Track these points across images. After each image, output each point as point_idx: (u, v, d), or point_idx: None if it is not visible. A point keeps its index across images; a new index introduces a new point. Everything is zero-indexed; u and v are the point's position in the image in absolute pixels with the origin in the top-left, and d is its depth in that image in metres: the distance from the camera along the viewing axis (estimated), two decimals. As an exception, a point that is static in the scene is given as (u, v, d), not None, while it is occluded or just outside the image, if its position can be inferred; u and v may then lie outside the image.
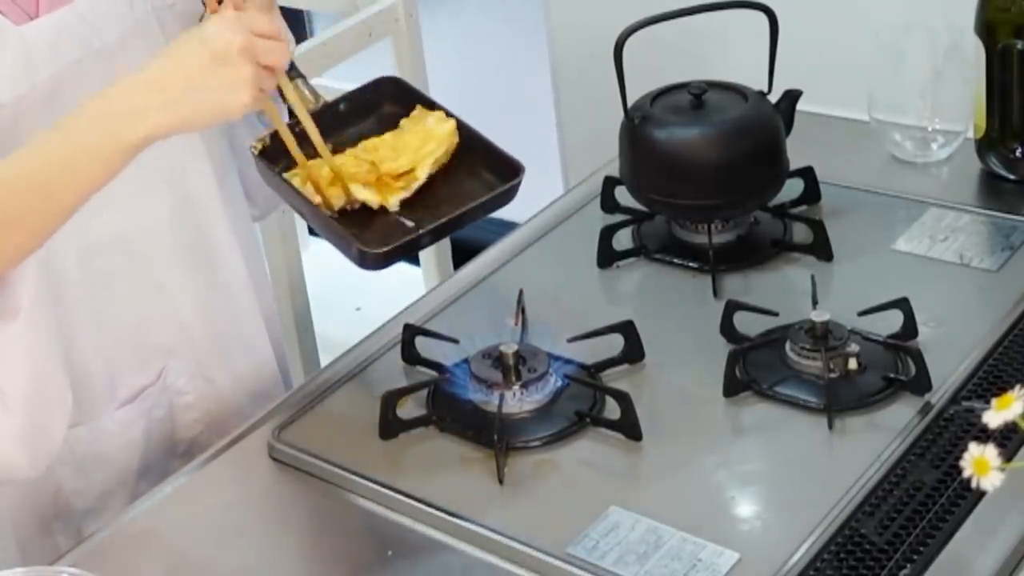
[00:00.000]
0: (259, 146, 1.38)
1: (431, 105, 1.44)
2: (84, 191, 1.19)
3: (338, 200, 1.37)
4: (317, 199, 1.36)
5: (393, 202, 1.38)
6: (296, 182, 1.37)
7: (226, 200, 1.48)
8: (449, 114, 1.43)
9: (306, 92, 1.38)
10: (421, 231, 1.34)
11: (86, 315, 1.39)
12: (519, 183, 1.37)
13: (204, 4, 1.28)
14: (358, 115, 1.43)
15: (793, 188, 1.62)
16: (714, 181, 1.54)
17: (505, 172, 1.38)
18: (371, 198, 1.38)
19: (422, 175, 1.40)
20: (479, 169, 1.41)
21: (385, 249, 1.31)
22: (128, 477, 1.45)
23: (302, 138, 1.37)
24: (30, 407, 1.27)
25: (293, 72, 1.38)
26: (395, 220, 1.37)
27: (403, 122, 1.43)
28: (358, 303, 2.93)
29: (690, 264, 1.55)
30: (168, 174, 1.42)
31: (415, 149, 1.39)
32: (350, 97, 1.43)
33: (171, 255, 1.44)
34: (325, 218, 1.35)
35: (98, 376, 1.41)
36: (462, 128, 1.42)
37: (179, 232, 1.44)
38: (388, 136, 1.41)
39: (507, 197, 1.38)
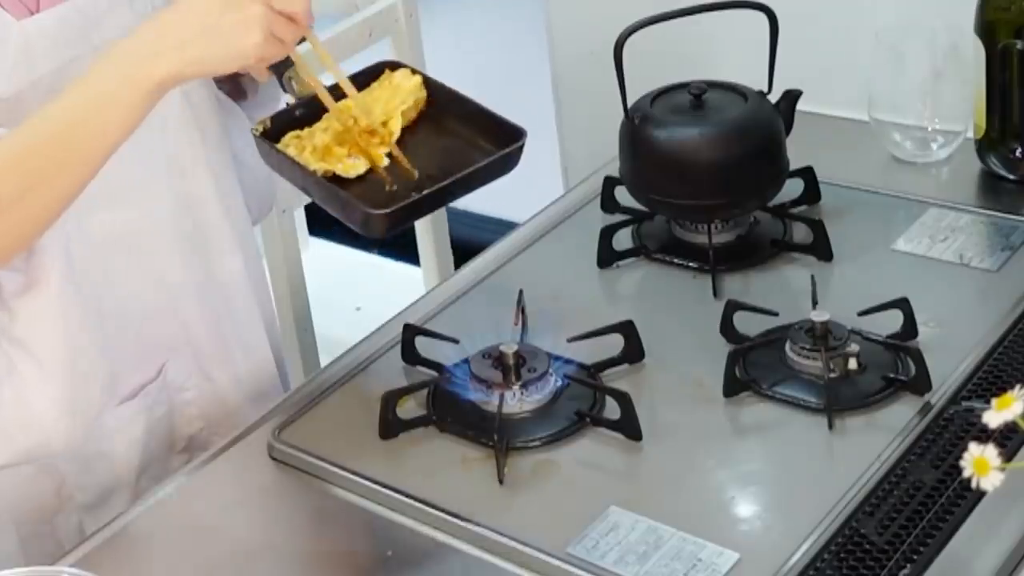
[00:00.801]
0: (260, 128, 1.38)
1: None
2: (107, 141, 1.21)
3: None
4: (315, 167, 1.35)
5: (383, 160, 1.38)
6: (291, 151, 1.37)
7: (224, 199, 1.49)
8: (446, 90, 1.42)
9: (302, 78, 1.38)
10: (424, 192, 1.32)
11: (89, 310, 1.38)
12: (521, 147, 1.35)
13: None
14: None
15: (793, 188, 1.62)
16: (714, 181, 1.54)
17: (507, 139, 1.37)
18: (362, 165, 1.37)
19: (396, 127, 1.39)
20: (480, 139, 1.40)
21: (388, 211, 1.30)
22: (129, 473, 1.45)
23: (306, 119, 1.38)
24: (67, 376, 1.30)
25: (286, 62, 1.38)
26: (397, 192, 1.36)
27: (373, 84, 1.43)
28: (358, 303, 2.93)
29: (690, 264, 1.55)
30: (168, 170, 1.42)
31: (385, 102, 1.39)
32: (350, 79, 1.43)
33: (171, 252, 1.44)
34: (327, 186, 1.35)
35: (99, 373, 1.41)
36: (461, 99, 1.41)
37: (179, 229, 1.44)
38: (359, 96, 1.41)
39: (509, 162, 1.36)
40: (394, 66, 1.45)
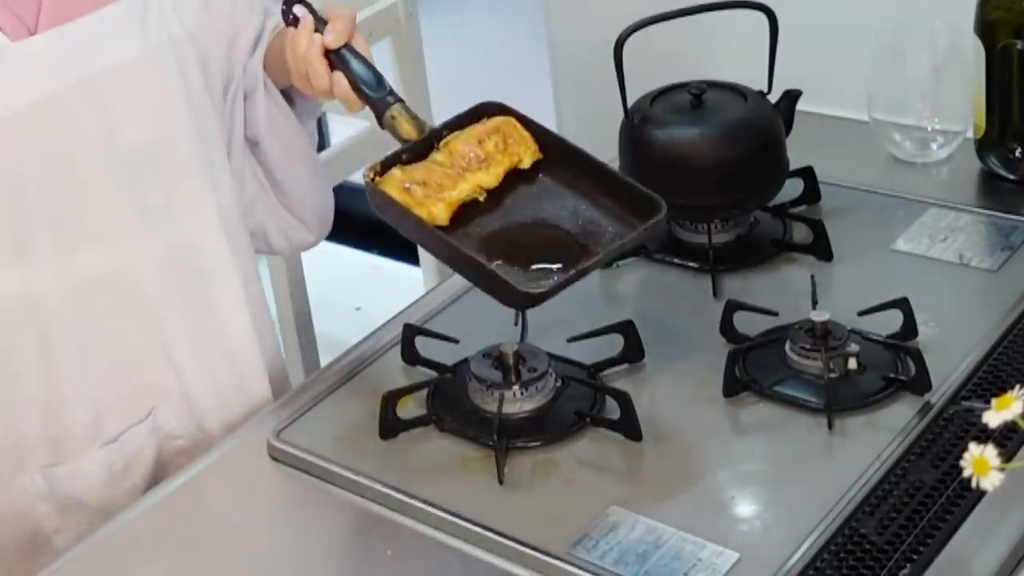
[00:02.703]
0: (371, 174, 1.30)
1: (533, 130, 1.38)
2: None
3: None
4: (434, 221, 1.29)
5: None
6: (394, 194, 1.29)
7: (230, 238, 1.44)
8: (557, 144, 1.37)
9: (407, 119, 1.33)
10: (576, 271, 1.27)
11: (72, 352, 1.35)
12: (660, 220, 1.30)
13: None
14: None
15: (793, 188, 1.62)
16: (714, 181, 1.54)
17: (645, 209, 1.32)
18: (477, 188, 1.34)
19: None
20: (617, 207, 1.34)
21: (542, 291, 1.25)
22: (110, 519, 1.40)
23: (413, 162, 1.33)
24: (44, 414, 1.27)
25: (392, 97, 1.34)
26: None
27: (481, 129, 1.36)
28: (358, 303, 2.94)
29: (690, 264, 1.55)
30: (169, 211, 1.38)
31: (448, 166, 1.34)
32: (451, 124, 1.35)
33: (166, 295, 1.40)
34: (463, 256, 1.28)
35: (81, 415, 1.37)
36: (599, 169, 1.36)
37: (177, 274, 1.40)
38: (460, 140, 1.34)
39: (652, 235, 1.35)
40: (491, 109, 1.38)
